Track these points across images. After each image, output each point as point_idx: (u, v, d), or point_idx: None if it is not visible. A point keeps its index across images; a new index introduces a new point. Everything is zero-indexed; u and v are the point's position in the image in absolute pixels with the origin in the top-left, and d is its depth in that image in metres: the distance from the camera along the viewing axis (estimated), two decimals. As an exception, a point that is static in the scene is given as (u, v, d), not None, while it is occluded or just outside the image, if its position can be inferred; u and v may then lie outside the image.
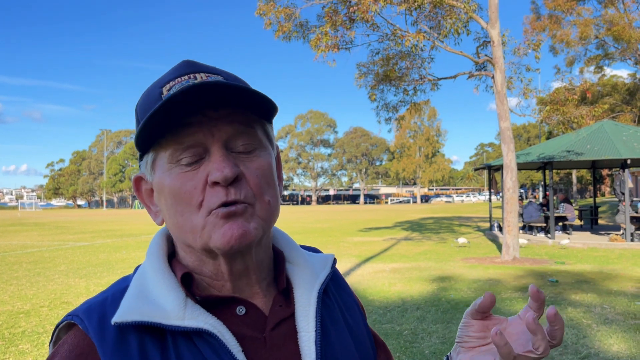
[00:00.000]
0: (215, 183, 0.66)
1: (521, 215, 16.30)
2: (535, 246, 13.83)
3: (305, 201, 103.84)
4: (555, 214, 15.78)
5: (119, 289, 0.72)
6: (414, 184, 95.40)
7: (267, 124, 0.75)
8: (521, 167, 18.24)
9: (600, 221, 22.07)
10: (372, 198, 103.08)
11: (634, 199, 18.76)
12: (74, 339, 0.67)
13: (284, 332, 0.72)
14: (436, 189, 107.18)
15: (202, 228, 0.67)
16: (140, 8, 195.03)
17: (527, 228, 16.99)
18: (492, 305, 0.76)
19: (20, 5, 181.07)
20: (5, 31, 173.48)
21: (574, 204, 27.94)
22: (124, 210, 73.20)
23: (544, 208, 16.54)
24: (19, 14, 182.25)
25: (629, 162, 14.51)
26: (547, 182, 17.43)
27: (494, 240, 15.82)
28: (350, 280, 8.93)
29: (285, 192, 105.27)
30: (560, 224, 16.73)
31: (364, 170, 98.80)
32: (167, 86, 0.70)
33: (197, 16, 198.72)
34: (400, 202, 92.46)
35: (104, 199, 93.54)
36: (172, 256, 0.76)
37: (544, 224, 16.33)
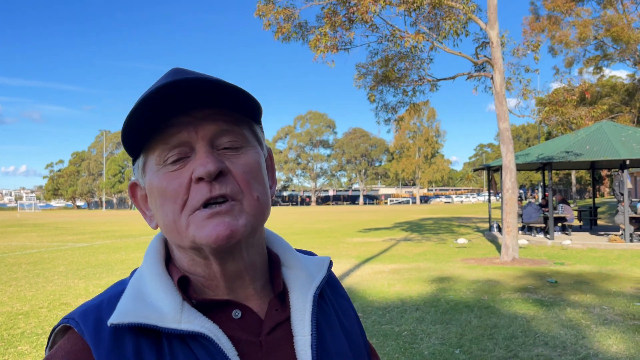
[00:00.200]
0: (200, 179, 0.67)
1: (520, 216, 16.30)
2: (535, 247, 13.83)
3: (305, 202, 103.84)
4: (555, 215, 15.79)
5: (116, 292, 0.72)
6: (414, 184, 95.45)
7: (254, 125, 0.76)
8: (520, 167, 18.25)
9: (599, 222, 22.09)
10: (371, 199, 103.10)
11: (633, 199, 18.78)
12: (70, 342, 0.67)
13: (280, 336, 0.72)
14: (435, 190, 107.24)
15: (187, 226, 0.67)
16: (140, 9, 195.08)
17: (527, 229, 17.00)
18: None
19: (19, 6, 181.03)
20: (4, 32, 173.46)
21: (573, 205, 27.99)
22: (123, 211, 73.16)
23: (543, 209, 16.55)
24: (19, 14, 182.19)
25: (628, 162, 14.52)
26: (547, 182, 17.44)
27: (493, 240, 15.83)
28: (349, 281, 8.93)
29: (285, 193, 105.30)
30: (560, 224, 16.74)
31: (364, 171, 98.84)
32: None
33: (196, 17, 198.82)
34: (399, 202, 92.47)
35: (104, 199, 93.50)
36: (169, 260, 0.76)
37: (543, 225, 16.34)
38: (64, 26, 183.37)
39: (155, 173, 0.70)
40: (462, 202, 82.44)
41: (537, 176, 66.73)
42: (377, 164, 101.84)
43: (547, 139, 42.84)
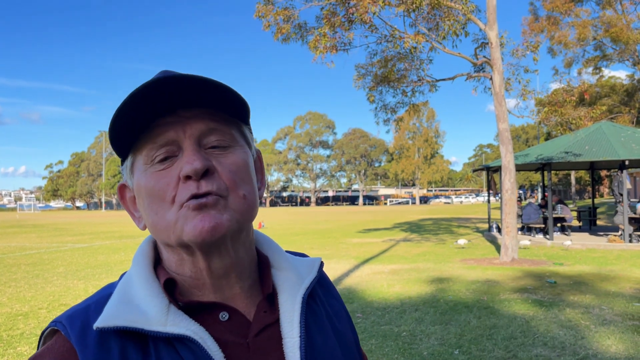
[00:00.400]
0: (187, 177, 0.67)
1: (520, 216, 16.31)
2: (534, 247, 13.83)
3: (304, 202, 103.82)
4: (554, 215, 15.80)
5: (104, 296, 0.72)
6: (413, 185, 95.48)
7: (242, 125, 0.76)
8: (520, 168, 18.26)
9: (598, 222, 22.09)
10: (371, 199, 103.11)
11: (632, 200, 18.78)
12: (56, 345, 0.67)
13: (268, 338, 0.71)
14: (435, 190, 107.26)
15: (174, 222, 0.67)
16: (140, 10, 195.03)
17: (526, 229, 17.00)
18: None
19: (19, 7, 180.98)
20: (4, 33, 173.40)
21: (572, 205, 28.00)
22: (122, 212, 73.08)
23: (543, 209, 16.56)
24: (18, 15, 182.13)
25: (627, 163, 14.53)
26: (546, 183, 17.45)
27: (493, 241, 15.83)
28: (349, 281, 8.93)
29: (284, 194, 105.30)
30: (559, 225, 16.75)
31: (363, 171, 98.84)
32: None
33: (196, 19, 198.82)
34: (399, 203, 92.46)
35: (103, 200, 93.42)
36: (159, 262, 0.76)
37: (543, 225, 16.35)
38: (63, 27, 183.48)
39: (143, 173, 0.70)
40: (461, 202, 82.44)
41: (536, 177, 66.77)
42: (376, 165, 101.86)
43: (546, 139, 42.84)
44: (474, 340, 5.28)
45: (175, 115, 0.69)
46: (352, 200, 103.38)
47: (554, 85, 14.55)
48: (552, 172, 18.47)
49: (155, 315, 0.67)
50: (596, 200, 27.60)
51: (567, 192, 68.78)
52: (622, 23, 27.67)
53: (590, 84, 20.38)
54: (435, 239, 17.66)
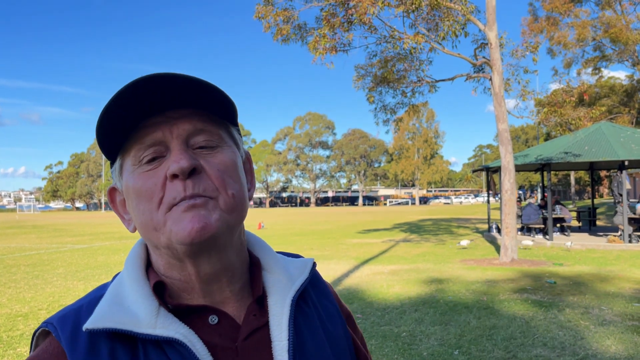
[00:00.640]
0: (174, 176, 0.66)
1: (520, 216, 16.31)
2: (534, 248, 13.84)
3: (304, 203, 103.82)
4: (554, 216, 15.80)
5: (95, 297, 0.72)
6: (413, 185, 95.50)
7: (230, 126, 0.75)
8: (519, 168, 18.27)
9: (598, 222, 22.09)
10: (370, 200, 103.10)
11: (632, 200, 18.79)
12: (47, 347, 0.68)
13: (257, 341, 0.71)
14: (435, 191, 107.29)
15: (163, 224, 0.67)
16: (139, 11, 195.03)
17: (526, 229, 17.01)
18: None
19: (19, 7, 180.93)
20: (3, 33, 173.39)
21: (572, 206, 27.98)
22: (122, 213, 72.95)
23: (542, 210, 16.57)
24: (18, 15, 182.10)
25: (626, 163, 14.53)
26: (546, 183, 17.45)
27: (493, 241, 15.83)
28: (348, 282, 8.93)
29: (284, 194, 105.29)
30: (558, 225, 16.75)
31: (363, 172, 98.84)
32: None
33: (196, 20, 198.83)
34: (398, 203, 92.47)
35: (103, 201, 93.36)
36: (150, 265, 0.75)
37: (542, 226, 16.35)
38: (63, 28, 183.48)
39: (131, 174, 0.70)
40: (461, 203, 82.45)
41: (536, 177, 66.81)
42: (376, 165, 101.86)
43: (546, 139, 42.88)
44: (474, 340, 5.28)
45: (162, 115, 0.68)
46: (352, 201, 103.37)
47: (554, 86, 14.55)
48: (552, 172, 18.47)
49: (145, 317, 0.67)
50: (596, 201, 27.61)
51: (566, 192, 68.82)
52: (621, 23, 27.69)
53: (589, 85, 20.38)
54: (434, 239, 17.66)
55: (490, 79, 12.28)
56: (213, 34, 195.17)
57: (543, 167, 16.75)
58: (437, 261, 11.57)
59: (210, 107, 0.70)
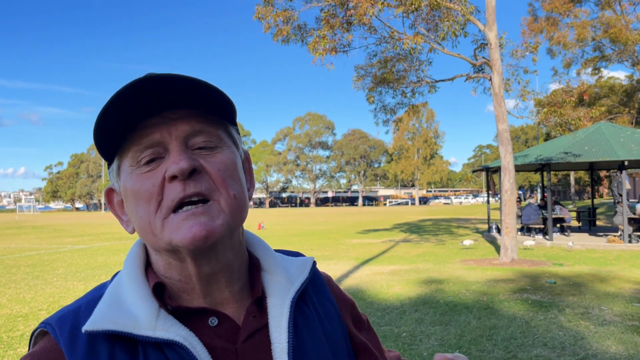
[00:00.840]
0: (173, 177, 0.66)
1: (520, 217, 16.31)
2: (534, 248, 13.84)
3: (304, 203, 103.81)
4: (553, 216, 15.80)
5: (94, 297, 0.72)
6: (413, 185, 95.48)
7: (229, 126, 0.75)
8: (519, 168, 18.27)
9: (598, 222, 22.10)
10: (370, 200, 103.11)
11: (632, 200, 18.79)
12: (45, 347, 0.67)
13: (257, 343, 0.71)
14: (434, 191, 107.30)
15: (161, 229, 0.66)
16: (139, 11, 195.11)
17: (526, 230, 17.01)
18: None
19: (19, 7, 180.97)
20: (3, 34, 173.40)
21: (571, 206, 27.97)
22: (122, 213, 72.92)
23: (542, 210, 16.57)
24: (18, 15, 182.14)
25: (626, 163, 14.54)
26: (545, 183, 17.45)
27: (492, 242, 15.83)
28: (348, 282, 8.93)
29: (284, 194, 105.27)
30: (558, 225, 16.75)
31: (363, 172, 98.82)
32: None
33: (195, 19, 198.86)
34: (398, 204, 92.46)
35: (102, 202, 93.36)
36: (149, 265, 0.75)
37: (542, 226, 16.35)
38: (63, 28, 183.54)
39: (129, 175, 0.69)
40: (461, 203, 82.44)
41: (536, 177, 66.79)
42: (376, 165, 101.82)
43: (545, 140, 42.87)
44: (474, 340, 5.29)
45: (160, 116, 0.68)
46: (352, 201, 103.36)
47: (553, 86, 14.56)
48: (552, 172, 18.48)
49: (145, 319, 0.66)
50: (596, 201, 27.60)
51: (566, 192, 68.82)
52: (621, 24, 27.70)
53: (589, 85, 20.39)
54: (434, 239, 17.67)
55: (490, 79, 12.29)
56: (213, 34, 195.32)
57: (543, 167, 16.75)
58: (437, 261, 11.57)
59: (209, 107, 0.70)
